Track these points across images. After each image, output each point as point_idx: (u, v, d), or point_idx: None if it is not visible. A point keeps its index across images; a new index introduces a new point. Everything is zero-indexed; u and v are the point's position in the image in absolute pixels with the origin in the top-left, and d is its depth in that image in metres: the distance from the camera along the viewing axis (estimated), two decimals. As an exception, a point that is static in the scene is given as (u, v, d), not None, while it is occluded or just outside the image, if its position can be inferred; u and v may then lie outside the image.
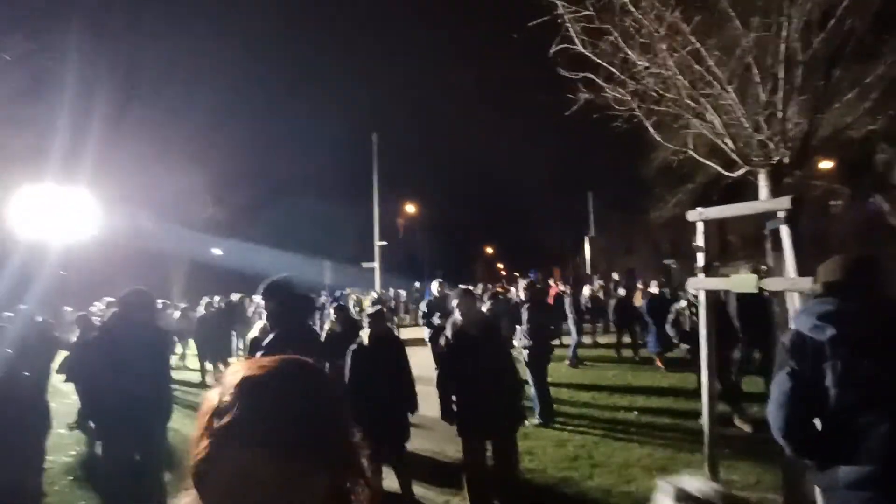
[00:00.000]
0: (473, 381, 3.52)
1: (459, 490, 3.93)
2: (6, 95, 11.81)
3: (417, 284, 16.75)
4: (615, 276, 16.41)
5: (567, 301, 10.25)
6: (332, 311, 5.85)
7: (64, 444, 5.98)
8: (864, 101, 3.53)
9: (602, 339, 12.65)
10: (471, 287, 4.93)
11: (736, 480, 4.23)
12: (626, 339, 10.69)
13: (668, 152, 13.93)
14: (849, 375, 1.67)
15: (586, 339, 11.64)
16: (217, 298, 11.98)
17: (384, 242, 19.50)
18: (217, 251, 30.87)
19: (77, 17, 15.76)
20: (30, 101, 12.70)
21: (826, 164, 16.46)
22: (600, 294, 12.82)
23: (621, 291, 11.43)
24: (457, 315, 3.62)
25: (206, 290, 15.27)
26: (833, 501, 1.81)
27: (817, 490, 2.45)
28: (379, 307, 4.35)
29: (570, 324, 10.09)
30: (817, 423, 1.82)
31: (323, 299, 17.35)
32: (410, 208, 25.65)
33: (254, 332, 5.81)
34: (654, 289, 10.54)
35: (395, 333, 4.80)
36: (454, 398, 3.66)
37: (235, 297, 12.88)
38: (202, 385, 9.37)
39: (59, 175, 14.01)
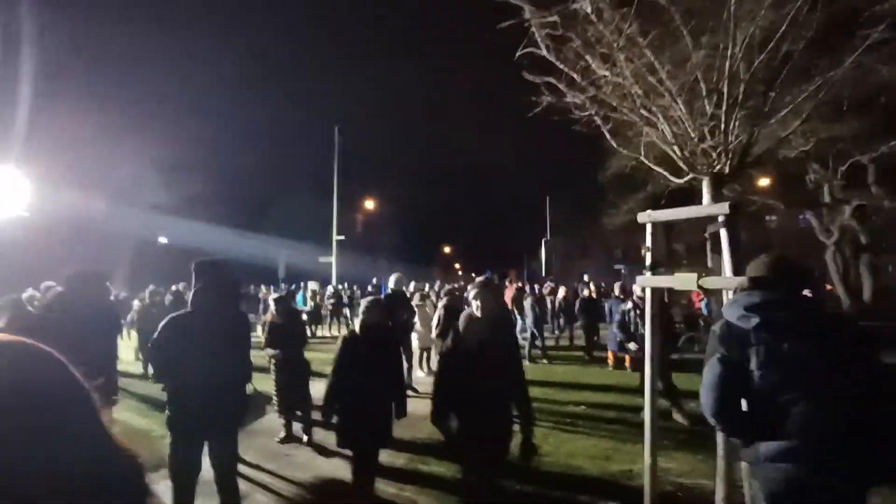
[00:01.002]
0: (478, 388, 2.93)
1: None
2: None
3: (374, 280, 16.65)
4: (585, 277, 17.01)
5: (528, 300, 10.52)
6: (271, 301, 5.77)
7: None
8: (797, 118, 3.86)
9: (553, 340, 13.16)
10: (489, 278, 4.07)
11: (673, 468, 4.52)
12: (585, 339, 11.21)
13: (622, 162, 14.60)
14: (770, 359, 1.87)
15: (551, 340, 12.27)
16: (173, 288, 11.44)
17: (342, 237, 19.28)
18: (163, 239, 29.50)
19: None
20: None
21: (764, 182, 17.67)
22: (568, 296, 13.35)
23: (585, 293, 11.88)
24: (474, 309, 3.09)
25: (150, 279, 14.59)
26: (757, 474, 2.00)
27: (744, 465, 2.68)
28: (376, 297, 4.04)
29: (530, 322, 10.39)
30: (744, 403, 2.01)
31: (265, 291, 16.97)
32: (370, 204, 25.43)
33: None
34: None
35: (389, 326, 4.44)
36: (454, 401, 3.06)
37: (181, 286, 12.37)
38: (144, 377, 8.96)
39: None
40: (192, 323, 3.08)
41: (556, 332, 13.91)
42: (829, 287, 18.95)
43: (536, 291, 13.25)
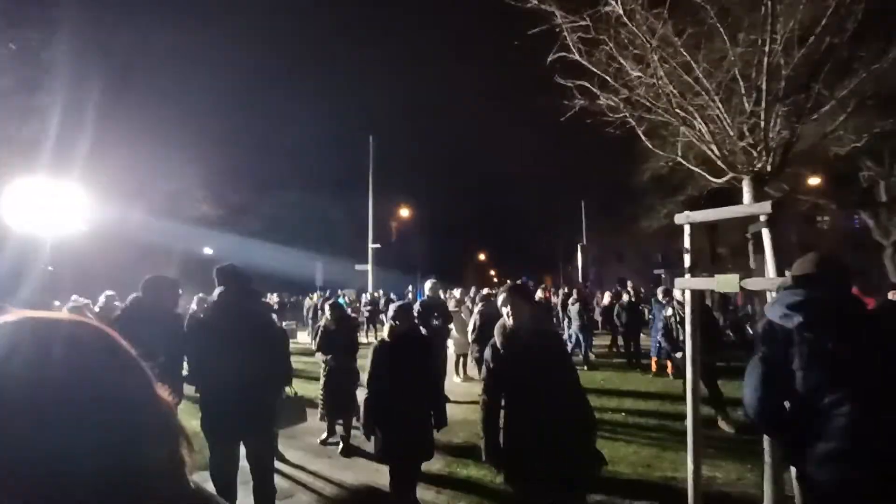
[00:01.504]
0: (531, 407, 2.60)
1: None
2: (9, 86, 11.79)
3: (410, 287, 16.82)
4: (629, 283, 16.70)
5: (575, 307, 10.47)
6: (327, 307, 5.90)
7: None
8: (842, 112, 3.72)
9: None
10: (524, 283, 3.43)
11: (718, 477, 4.37)
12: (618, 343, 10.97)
13: (659, 163, 14.28)
14: (814, 359, 1.82)
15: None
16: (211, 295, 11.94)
17: (377, 245, 19.58)
18: (209, 250, 30.76)
19: (73, 7, 15.74)
20: (29, 93, 12.67)
21: (814, 181, 16.85)
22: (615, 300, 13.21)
23: (625, 297, 11.70)
24: (505, 316, 2.78)
25: (196, 288, 15.25)
26: (806, 478, 1.94)
27: (793, 471, 2.59)
28: (404, 302, 3.87)
29: (577, 329, 10.33)
30: (787, 404, 1.96)
31: (315, 298, 17.39)
32: (405, 212, 25.74)
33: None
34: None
35: (422, 332, 4.24)
36: (502, 432, 2.70)
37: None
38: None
39: (52, 168, 13.94)
40: (215, 324, 3.19)
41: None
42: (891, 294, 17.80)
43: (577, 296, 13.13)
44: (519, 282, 6.90)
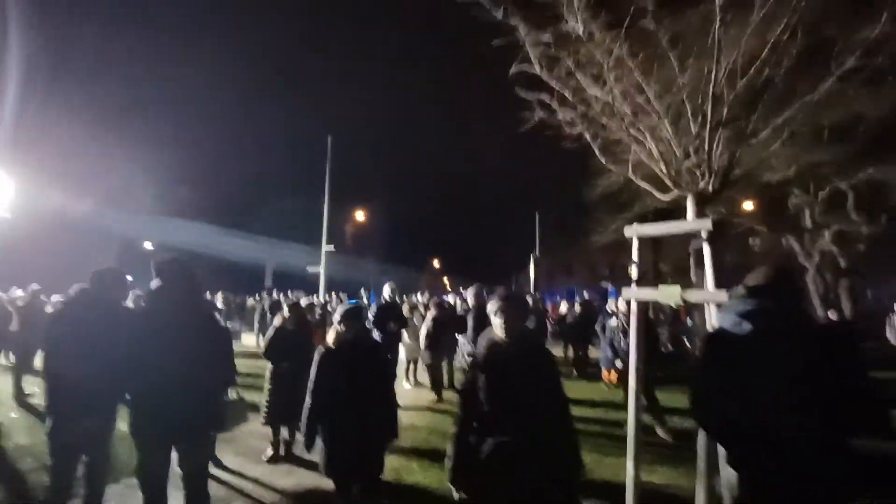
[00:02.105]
0: (511, 429, 2.31)
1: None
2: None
3: (363, 291, 16.59)
4: (585, 294, 17.09)
5: (532, 317, 10.63)
6: (285, 307, 5.60)
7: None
8: (775, 142, 4.03)
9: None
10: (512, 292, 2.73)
11: (654, 482, 4.56)
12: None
13: (609, 180, 14.85)
14: (761, 367, 1.88)
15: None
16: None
17: (331, 247, 19.22)
18: (148, 244, 29.14)
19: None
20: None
21: (748, 206, 18.10)
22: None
23: (577, 308, 11.96)
24: (497, 328, 2.49)
25: (134, 283, 14.40)
26: (732, 478, 2.03)
27: (722, 475, 2.73)
28: (355, 303, 3.75)
29: None
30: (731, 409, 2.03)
31: (265, 299, 16.80)
32: (360, 215, 25.41)
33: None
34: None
35: (374, 340, 3.84)
36: (477, 452, 2.37)
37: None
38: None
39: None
40: (151, 319, 2.97)
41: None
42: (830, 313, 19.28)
43: (541, 307, 13.32)
44: (474, 287, 6.93)
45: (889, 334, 13.90)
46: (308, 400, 3.15)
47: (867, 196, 16.12)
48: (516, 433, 2.29)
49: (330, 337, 3.26)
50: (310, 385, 3.17)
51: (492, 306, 2.53)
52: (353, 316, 3.26)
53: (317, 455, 3.18)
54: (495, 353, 2.46)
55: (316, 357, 3.24)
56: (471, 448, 2.38)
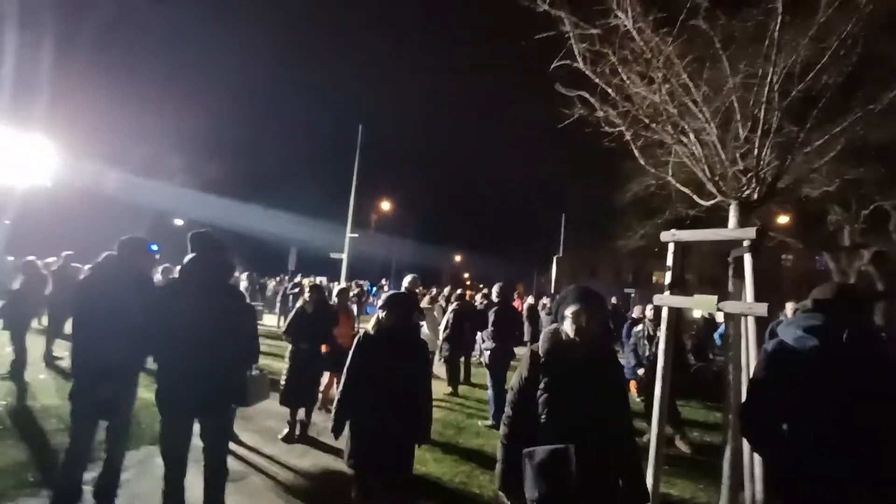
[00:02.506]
0: (571, 436, 2.07)
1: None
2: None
3: (384, 281, 16.68)
4: (614, 299, 16.75)
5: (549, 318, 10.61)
6: (306, 287, 5.67)
7: (-4, 394, 5.68)
8: (826, 154, 3.85)
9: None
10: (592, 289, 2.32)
11: (673, 494, 4.45)
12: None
13: (645, 184, 14.53)
14: (821, 385, 1.80)
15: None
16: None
17: (355, 235, 19.37)
18: (179, 220, 29.87)
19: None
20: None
21: (783, 220, 17.52)
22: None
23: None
24: (568, 327, 2.22)
25: (164, 258, 14.79)
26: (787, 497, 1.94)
27: (747, 491, 2.62)
28: (398, 292, 3.35)
29: None
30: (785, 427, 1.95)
31: (290, 283, 17.06)
32: (386, 205, 25.54)
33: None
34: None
35: (418, 331, 3.65)
36: (530, 460, 2.14)
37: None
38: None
39: (12, 117, 13.24)
40: (182, 291, 2.99)
41: None
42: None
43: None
44: (500, 285, 6.85)
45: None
46: (341, 386, 3.05)
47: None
48: (576, 440, 2.06)
49: (371, 323, 3.12)
50: (345, 371, 3.04)
51: (564, 302, 2.28)
52: (397, 303, 3.09)
53: (339, 442, 3.07)
54: (559, 352, 2.21)
55: (354, 343, 3.09)
56: (522, 454, 2.17)
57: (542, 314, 10.73)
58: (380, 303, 3.12)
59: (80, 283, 3.65)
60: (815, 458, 1.79)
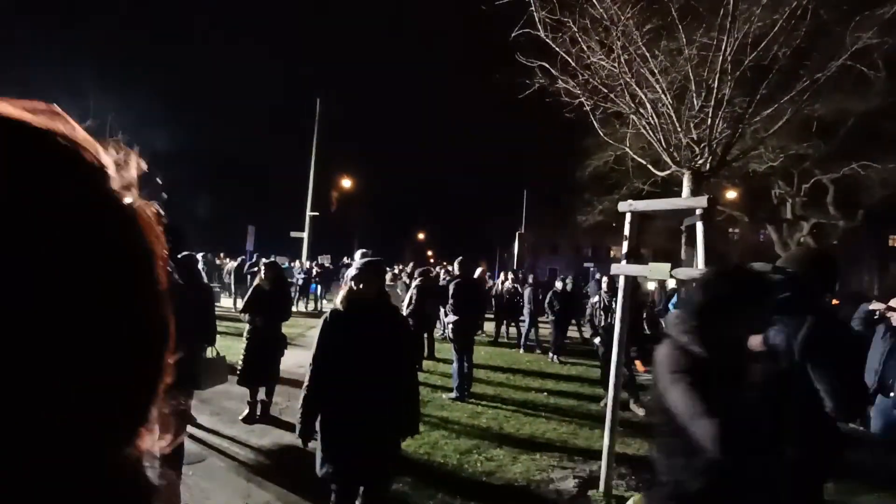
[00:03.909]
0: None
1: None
2: None
3: (347, 259, 16.45)
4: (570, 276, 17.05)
5: (527, 291, 10.67)
6: (262, 265, 5.52)
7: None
8: (773, 126, 4.00)
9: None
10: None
11: (628, 453, 4.66)
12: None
13: (601, 160, 14.81)
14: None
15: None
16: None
17: (316, 213, 18.93)
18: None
19: None
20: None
21: (731, 195, 18.32)
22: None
23: (559, 286, 12.02)
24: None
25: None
26: None
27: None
28: (375, 259, 2.80)
29: (526, 313, 10.63)
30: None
31: (245, 262, 16.53)
32: (346, 182, 25.02)
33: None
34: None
35: (394, 304, 2.99)
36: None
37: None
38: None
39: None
40: None
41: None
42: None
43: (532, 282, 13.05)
44: (460, 259, 6.87)
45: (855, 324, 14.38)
46: (307, 377, 2.48)
47: (847, 192, 16.47)
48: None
49: (339, 297, 2.54)
50: (311, 359, 2.49)
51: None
52: (374, 270, 2.55)
53: (294, 419, 2.60)
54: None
55: (321, 324, 2.54)
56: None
57: (527, 291, 10.80)
58: (351, 272, 2.55)
59: None
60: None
